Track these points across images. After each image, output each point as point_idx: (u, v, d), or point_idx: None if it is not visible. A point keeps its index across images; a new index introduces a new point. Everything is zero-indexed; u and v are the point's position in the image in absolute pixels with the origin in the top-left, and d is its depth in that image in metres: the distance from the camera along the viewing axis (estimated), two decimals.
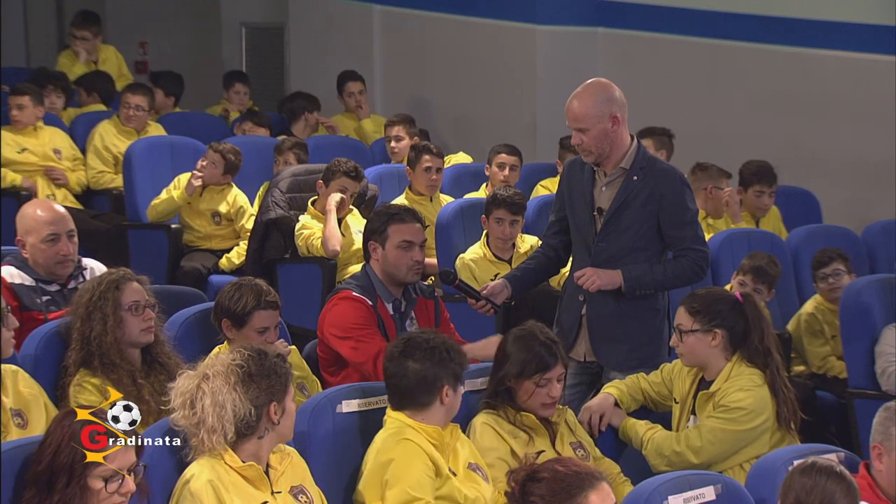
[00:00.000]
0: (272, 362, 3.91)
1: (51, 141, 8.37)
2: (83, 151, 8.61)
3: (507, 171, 7.84)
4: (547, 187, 8.18)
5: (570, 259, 5.36)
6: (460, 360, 4.30)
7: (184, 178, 7.68)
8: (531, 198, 7.77)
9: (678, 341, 4.80)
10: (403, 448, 4.13)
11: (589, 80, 5.17)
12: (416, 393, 4.23)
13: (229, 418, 3.81)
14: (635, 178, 5.09)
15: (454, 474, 4.22)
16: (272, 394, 3.88)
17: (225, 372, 3.86)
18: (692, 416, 4.81)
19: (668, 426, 4.83)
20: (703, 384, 4.81)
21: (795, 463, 4.02)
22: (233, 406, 3.81)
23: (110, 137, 8.55)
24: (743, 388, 4.68)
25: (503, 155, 7.91)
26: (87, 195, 8.54)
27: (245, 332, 4.89)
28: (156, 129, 8.83)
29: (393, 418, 4.26)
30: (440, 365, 4.23)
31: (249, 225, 7.57)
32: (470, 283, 6.07)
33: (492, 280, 5.95)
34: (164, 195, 7.67)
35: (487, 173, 7.93)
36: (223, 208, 7.69)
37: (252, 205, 7.84)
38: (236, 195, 7.76)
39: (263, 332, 4.90)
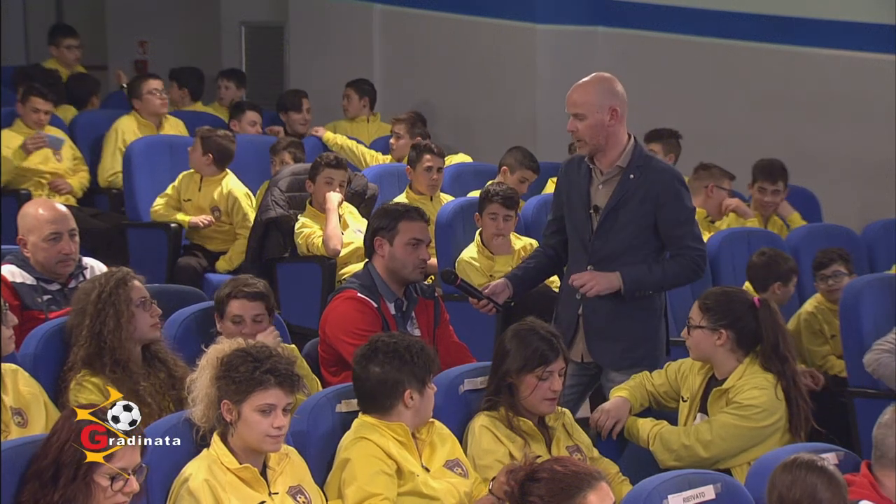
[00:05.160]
0: (235, 364, 3.91)
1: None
2: (83, 151, 8.60)
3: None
4: None
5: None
6: (425, 363, 4.26)
7: (185, 177, 7.72)
8: (542, 193, 7.76)
9: (687, 334, 4.83)
10: (360, 447, 4.15)
11: (594, 73, 5.19)
12: (378, 396, 4.25)
13: (196, 396, 3.97)
14: (632, 176, 5.09)
15: (427, 470, 4.24)
16: (225, 392, 3.90)
17: (210, 354, 4.01)
18: (699, 414, 4.82)
19: (671, 424, 4.84)
20: (715, 382, 4.82)
21: None
22: (200, 386, 3.96)
23: (130, 135, 8.52)
24: (758, 387, 4.69)
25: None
26: (87, 194, 8.54)
27: (224, 322, 4.92)
28: (172, 126, 8.82)
29: (358, 419, 4.28)
30: (401, 369, 4.23)
31: (251, 219, 7.56)
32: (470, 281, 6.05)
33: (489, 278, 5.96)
34: (166, 205, 7.68)
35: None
36: (220, 201, 7.68)
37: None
38: (230, 187, 7.70)
39: (238, 323, 4.90)
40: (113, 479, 3.47)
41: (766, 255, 6.60)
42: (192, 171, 7.72)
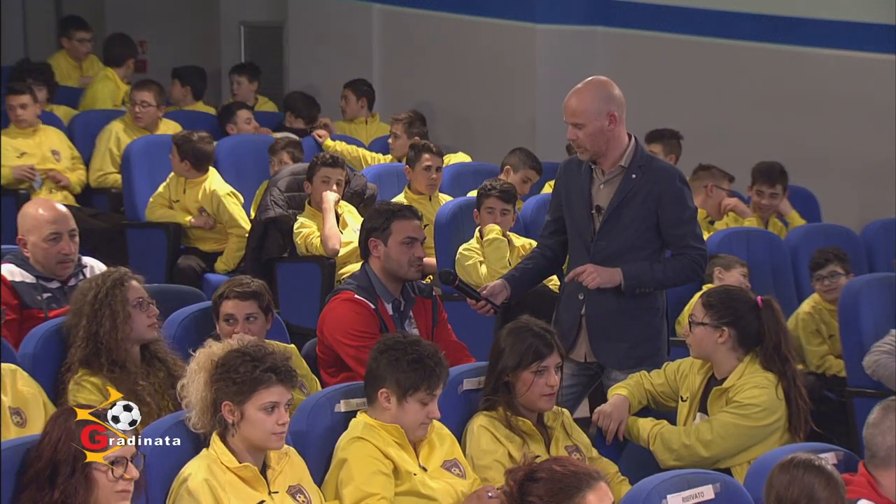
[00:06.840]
0: (234, 365, 3.91)
1: (48, 142, 8.32)
2: (82, 151, 8.60)
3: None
4: None
5: (567, 259, 5.37)
6: (413, 378, 4.18)
7: (173, 179, 7.71)
8: (542, 193, 7.76)
9: (688, 331, 4.84)
10: (357, 447, 4.15)
11: (589, 78, 5.17)
12: (366, 383, 4.31)
13: (189, 402, 3.97)
14: (634, 175, 5.09)
15: (425, 470, 4.23)
16: (225, 393, 3.89)
17: (201, 358, 4.01)
18: (699, 414, 4.82)
19: (671, 424, 4.84)
20: (714, 381, 4.83)
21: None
22: (194, 391, 3.96)
23: (124, 137, 8.49)
24: (758, 386, 4.70)
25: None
26: (86, 194, 8.53)
27: (219, 323, 4.94)
28: (166, 126, 8.81)
29: (356, 419, 4.28)
30: (388, 366, 4.22)
31: (237, 217, 7.55)
32: (478, 274, 6.08)
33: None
34: (161, 204, 7.69)
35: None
36: (204, 202, 7.62)
37: (251, 205, 7.83)
38: (213, 188, 7.62)
39: (230, 322, 4.92)
40: (113, 463, 3.47)
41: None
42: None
